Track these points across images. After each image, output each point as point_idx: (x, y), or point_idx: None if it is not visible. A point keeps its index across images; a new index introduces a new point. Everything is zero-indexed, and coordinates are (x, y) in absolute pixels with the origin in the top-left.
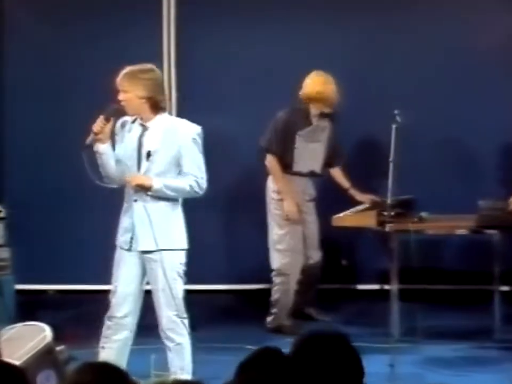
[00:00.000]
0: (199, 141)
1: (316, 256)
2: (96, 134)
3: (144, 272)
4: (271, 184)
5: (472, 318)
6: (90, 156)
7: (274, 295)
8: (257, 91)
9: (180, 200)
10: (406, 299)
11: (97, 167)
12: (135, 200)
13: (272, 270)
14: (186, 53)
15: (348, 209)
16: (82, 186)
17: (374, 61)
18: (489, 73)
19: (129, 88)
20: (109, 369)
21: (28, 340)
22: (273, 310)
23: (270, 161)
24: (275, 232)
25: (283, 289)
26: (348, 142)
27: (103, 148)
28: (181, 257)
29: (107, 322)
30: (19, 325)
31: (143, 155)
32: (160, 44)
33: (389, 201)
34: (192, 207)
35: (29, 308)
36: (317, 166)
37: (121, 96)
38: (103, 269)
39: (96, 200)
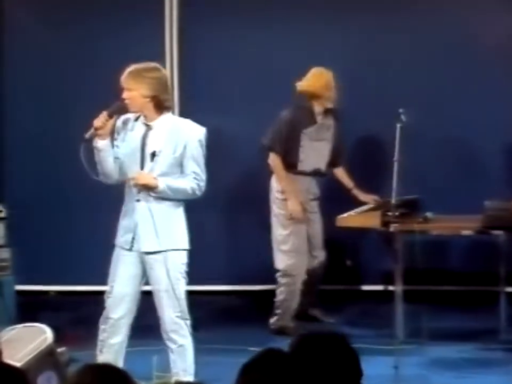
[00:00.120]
0: (204, 142)
1: (320, 255)
2: (97, 129)
3: (143, 273)
4: (275, 184)
5: (477, 320)
6: (88, 150)
7: (279, 296)
8: (259, 91)
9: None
10: (411, 300)
11: (94, 162)
12: (138, 200)
13: (276, 271)
14: (189, 53)
15: (352, 209)
16: (83, 187)
17: (377, 60)
18: (494, 72)
19: (134, 87)
20: (110, 371)
21: (28, 341)
22: (278, 311)
23: (273, 160)
24: (279, 232)
25: (288, 290)
26: (352, 141)
27: (102, 144)
28: (184, 258)
29: (102, 326)
30: (19, 326)
31: (146, 155)
32: (163, 44)
33: (393, 201)
34: (194, 207)
35: (30, 309)
36: (322, 165)
37: (125, 94)
38: (104, 270)
39: (98, 201)
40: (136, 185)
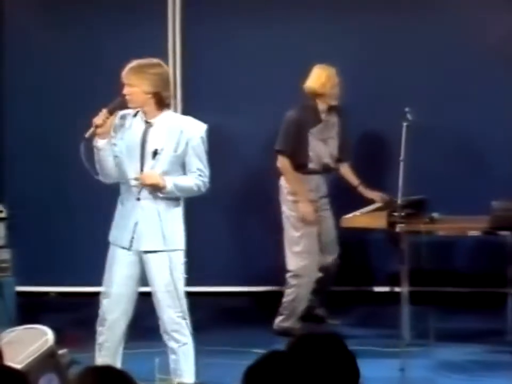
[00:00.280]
0: (205, 139)
1: (333, 252)
2: (97, 127)
3: (140, 273)
4: (285, 185)
5: (484, 321)
6: (88, 149)
7: (288, 297)
8: (261, 90)
9: (182, 199)
10: (417, 302)
11: (94, 161)
12: (138, 199)
13: (284, 271)
14: (192, 52)
15: (357, 209)
16: (84, 187)
17: (383, 58)
18: (502, 70)
19: (136, 82)
20: (112, 373)
21: (29, 343)
22: (285, 312)
23: (283, 162)
24: (291, 234)
25: (298, 291)
26: (358, 141)
27: (102, 143)
28: (183, 258)
29: (99, 328)
30: (20, 328)
31: (147, 153)
32: (165, 44)
33: (399, 201)
34: (198, 207)
35: (30, 310)
36: (330, 161)
37: (126, 90)
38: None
39: (99, 201)
40: (144, 184)
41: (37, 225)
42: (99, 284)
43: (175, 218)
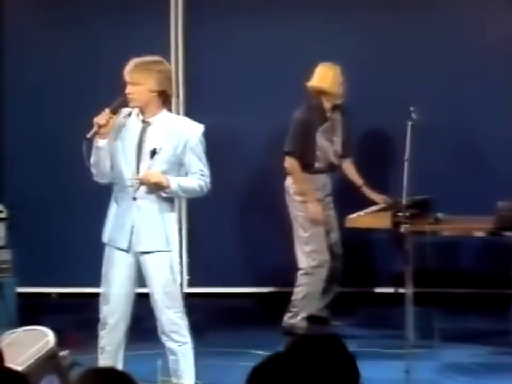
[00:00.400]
0: (203, 140)
1: (337, 250)
2: (100, 127)
3: (138, 274)
4: (291, 185)
5: (490, 322)
6: (89, 148)
7: (298, 295)
8: (264, 89)
9: (175, 199)
10: (422, 303)
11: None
12: (134, 199)
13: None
14: (194, 52)
15: (361, 209)
16: (85, 188)
17: (388, 57)
18: (507, 71)
19: (141, 81)
20: (114, 375)
21: (30, 344)
22: (293, 309)
23: (291, 163)
24: (299, 234)
25: (308, 290)
26: (362, 140)
27: (103, 143)
28: (178, 258)
29: (100, 332)
30: (21, 330)
31: (144, 152)
32: (168, 43)
33: (404, 201)
34: (201, 208)
35: (31, 311)
36: (336, 159)
37: (130, 89)
38: None
39: (100, 202)
40: (147, 183)
41: (37, 226)
42: (100, 284)
43: (170, 218)
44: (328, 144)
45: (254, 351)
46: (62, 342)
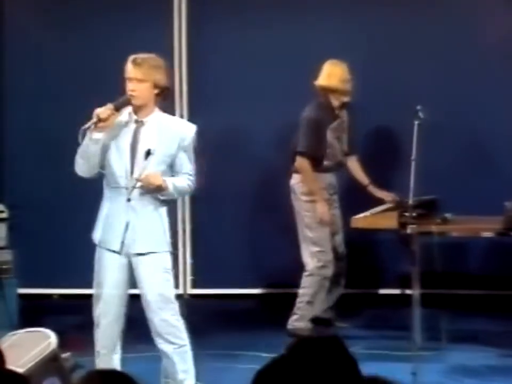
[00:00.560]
0: (195, 140)
1: (341, 251)
2: (101, 120)
3: (130, 276)
4: (298, 184)
5: (498, 324)
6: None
7: (303, 297)
8: (269, 88)
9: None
10: (429, 304)
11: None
12: (129, 200)
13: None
14: (197, 52)
15: (366, 209)
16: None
17: (395, 56)
18: None
19: (147, 77)
20: (117, 377)
21: (32, 346)
22: (298, 312)
23: (302, 163)
24: (305, 234)
25: (314, 291)
26: (369, 139)
27: (98, 136)
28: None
29: (95, 334)
30: (22, 331)
31: (138, 152)
32: (171, 43)
33: (410, 201)
34: (206, 209)
35: (33, 312)
36: (343, 157)
37: (134, 86)
38: None
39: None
40: (148, 185)
41: (39, 226)
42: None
43: (164, 219)
44: (336, 143)
45: (258, 353)
46: (64, 343)
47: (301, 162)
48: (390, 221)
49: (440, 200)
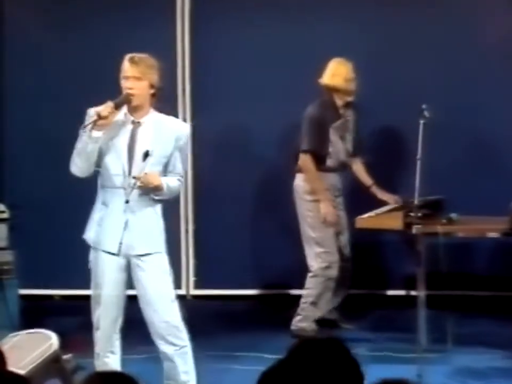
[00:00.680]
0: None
1: (346, 252)
2: (101, 118)
3: (128, 277)
4: (301, 184)
5: (504, 326)
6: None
7: (307, 298)
8: (272, 88)
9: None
10: (434, 306)
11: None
12: (127, 201)
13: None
14: (201, 51)
15: (371, 209)
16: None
17: (400, 54)
18: None
19: (144, 76)
20: (120, 379)
21: (33, 348)
22: (302, 313)
23: (305, 161)
24: (308, 234)
25: (318, 292)
26: (374, 138)
27: (98, 134)
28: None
29: (95, 337)
30: (23, 333)
31: (136, 153)
32: (174, 42)
33: (416, 201)
34: (209, 209)
35: (34, 314)
36: (346, 158)
37: (133, 84)
38: None
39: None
40: (147, 186)
41: (40, 227)
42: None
43: (160, 219)
44: (340, 142)
45: (259, 355)
46: (65, 345)
47: (304, 160)
48: (395, 221)
49: (445, 200)
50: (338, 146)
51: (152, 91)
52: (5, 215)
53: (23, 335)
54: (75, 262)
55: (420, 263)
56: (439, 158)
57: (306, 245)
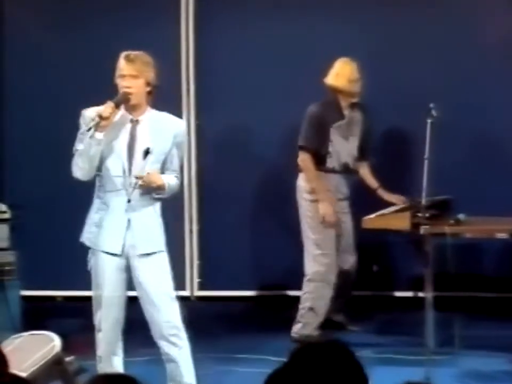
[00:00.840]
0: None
1: (350, 259)
2: (103, 119)
3: (129, 278)
4: (302, 184)
5: None
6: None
7: (305, 303)
8: (276, 87)
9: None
10: (442, 307)
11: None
12: (129, 201)
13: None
14: (205, 50)
15: (377, 212)
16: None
17: (407, 54)
18: None
19: (141, 74)
20: (123, 381)
21: (35, 350)
22: (302, 320)
23: (304, 159)
24: (308, 235)
25: (316, 297)
26: (381, 138)
27: (101, 135)
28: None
29: (97, 339)
30: (25, 334)
31: (136, 152)
32: (178, 40)
33: (423, 202)
34: (213, 209)
35: (36, 315)
36: (350, 160)
37: (129, 83)
38: None
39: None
40: (150, 185)
41: (41, 227)
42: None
43: (160, 218)
44: (342, 142)
45: (261, 357)
46: (67, 347)
47: (302, 158)
48: (402, 222)
49: (453, 201)
50: (340, 146)
51: (148, 89)
52: (6, 216)
53: (25, 337)
54: (77, 263)
55: (427, 264)
56: (446, 158)
57: (306, 247)
